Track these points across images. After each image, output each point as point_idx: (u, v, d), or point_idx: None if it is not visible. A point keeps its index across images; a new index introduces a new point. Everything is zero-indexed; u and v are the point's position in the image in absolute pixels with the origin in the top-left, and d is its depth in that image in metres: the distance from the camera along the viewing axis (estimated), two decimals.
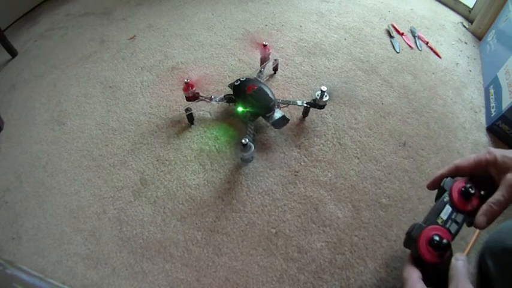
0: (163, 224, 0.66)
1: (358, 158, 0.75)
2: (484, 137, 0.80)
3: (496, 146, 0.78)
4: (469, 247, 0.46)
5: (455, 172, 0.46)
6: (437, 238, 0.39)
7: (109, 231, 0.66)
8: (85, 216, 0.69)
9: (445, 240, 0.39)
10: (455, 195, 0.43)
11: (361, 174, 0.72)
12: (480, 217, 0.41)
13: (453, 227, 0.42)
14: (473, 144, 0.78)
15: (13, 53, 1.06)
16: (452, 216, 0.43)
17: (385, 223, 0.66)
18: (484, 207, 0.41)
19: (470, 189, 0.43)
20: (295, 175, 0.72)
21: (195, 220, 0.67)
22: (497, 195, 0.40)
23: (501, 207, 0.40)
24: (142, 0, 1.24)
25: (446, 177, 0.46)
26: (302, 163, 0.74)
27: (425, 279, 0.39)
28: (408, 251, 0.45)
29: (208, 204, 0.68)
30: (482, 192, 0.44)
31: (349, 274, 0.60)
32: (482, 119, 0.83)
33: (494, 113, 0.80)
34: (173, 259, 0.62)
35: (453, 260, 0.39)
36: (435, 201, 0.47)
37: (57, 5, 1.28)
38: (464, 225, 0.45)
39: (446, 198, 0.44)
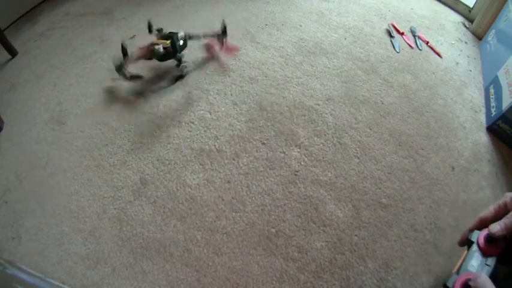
0: (163, 223, 0.66)
1: (358, 158, 0.75)
2: (484, 137, 0.80)
3: (496, 146, 0.78)
4: (458, 265, 0.47)
5: (480, 224, 0.48)
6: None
7: (109, 231, 0.66)
8: (85, 216, 0.69)
9: None
10: (481, 242, 0.45)
11: (361, 174, 0.72)
12: (495, 224, 0.44)
13: (485, 269, 0.44)
14: (473, 144, 0.78)
15: (13, 52, 1.06)
16: (484, 262, 0.45)
17: (385, 223, 0.66)
18: (503, 219, 0.44)
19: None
20: (295, 175, 0.72)
21: (195, 220, 0.67)
22: None
23: None
24: (142, 0, 1.24)
25: (472, 231, 0.48)
26: (302, 163, 0.74)
27: None
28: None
29: (208, 204, 0.68)
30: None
31: (349, 274, 0.60)
32: (482, 119, 0.83)
33: (494, 113, 0.80)
34: (173, 259, 0.62)
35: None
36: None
37: (57, 5, 1.28)
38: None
39: (474, 247, 0.46)
